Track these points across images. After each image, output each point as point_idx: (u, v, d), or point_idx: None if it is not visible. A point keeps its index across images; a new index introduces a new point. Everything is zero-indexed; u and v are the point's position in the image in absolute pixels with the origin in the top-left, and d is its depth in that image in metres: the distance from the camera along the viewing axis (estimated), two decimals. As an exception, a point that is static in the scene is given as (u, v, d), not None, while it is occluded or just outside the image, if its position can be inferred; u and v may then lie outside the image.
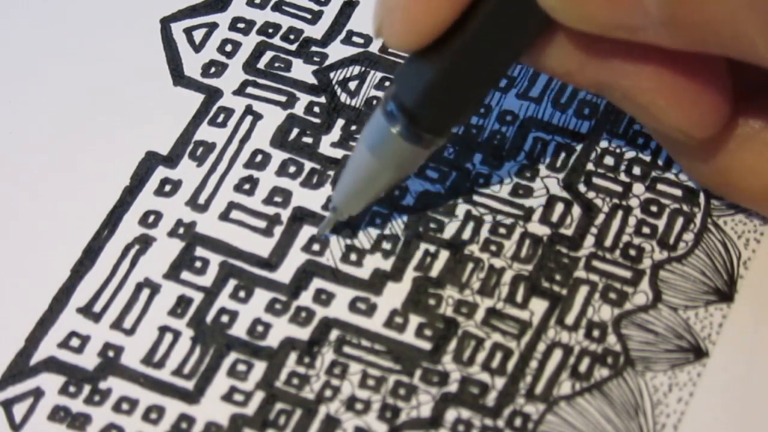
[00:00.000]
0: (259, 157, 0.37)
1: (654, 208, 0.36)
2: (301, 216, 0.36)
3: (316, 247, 0.36)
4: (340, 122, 0.38)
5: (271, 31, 0.40)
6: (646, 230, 0.36)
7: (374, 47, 0.39)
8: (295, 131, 0.38)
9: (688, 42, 0.29)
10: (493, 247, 0.35)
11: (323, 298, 0.35)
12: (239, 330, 0.34)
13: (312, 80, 0.39)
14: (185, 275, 0.35)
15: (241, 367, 0.34)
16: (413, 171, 0.34)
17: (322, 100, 0.38)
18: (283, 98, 0.38)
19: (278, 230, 0.36)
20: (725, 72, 0.31)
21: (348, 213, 0.35)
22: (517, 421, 0.33)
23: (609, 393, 0.33)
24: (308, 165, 0.37)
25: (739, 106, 0.32)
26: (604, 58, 0.31)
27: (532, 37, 0.31)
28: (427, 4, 0.30)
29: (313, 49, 0.39)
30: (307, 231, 0.36)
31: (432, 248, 0.35)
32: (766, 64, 0.29)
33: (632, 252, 0.35)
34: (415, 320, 0.34)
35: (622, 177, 0.36)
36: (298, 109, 0.38)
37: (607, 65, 0.31)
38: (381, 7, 0.31)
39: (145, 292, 0.35)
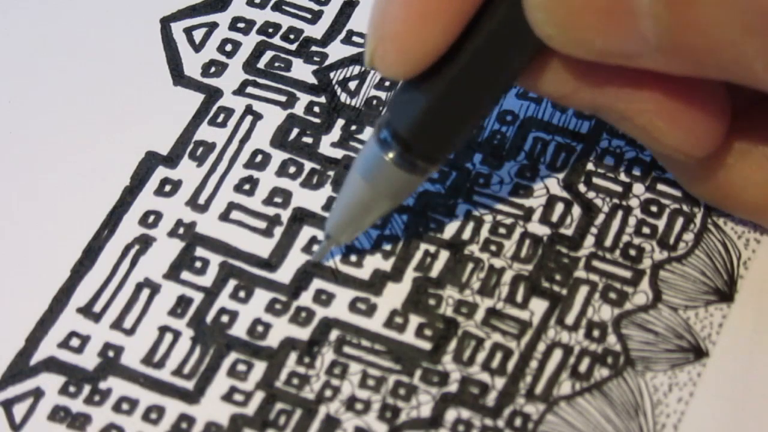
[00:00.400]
0: (259, 157, 0.37)
1: (654, 208, 0.36)
2: (301, 216, 0.36)
3: (316, 247, 0.36)
4: (340, 122, 0.38)
5: (271, 30, 0.40)
6: (646, 230, 0.36)
7: (374, 47, 0.39)
8: (295, 131, 0.38)
9: (686, 67, 0.29)
10: (493, 247, 0.35)
11: (323, 298, 0.35)
12: (239, 330, 0.34)
13: (312, 80, 0.39)
14: (185, 275, 0.35)
15: (241, 367, 0.34)
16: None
17: (322, 100, 0.38)
18: (283, 98, 0.38)
19: (278, 231, 0.36)
20: (722, 90, 0.31)
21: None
22: (517, 421, 0.33)
23: (609, 393, 0.33)
24: (308, 165, 0.37)
25: (735, 119, 0.32)
26: (600, 82, 0.31)
27: (526, 63, 0.31)
28: (419, 33, 0.30)
29: (313, 48, 0.39)
30: (307, 231, 0.36)
31: (432, 248, 0.35)
32: (765, 87, 0.29)
33: (632, 252, 0.35)
34: (415, 320, 0.34)
35: (622, 177, 0.36)
36: (298, 109, 0.38)
37: (603, 89, 0.31)
38: (373, 37, 0.31)
39: (145, 292, 0.35)
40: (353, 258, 0.35)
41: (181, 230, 0.36)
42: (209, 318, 0.35)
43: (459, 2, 0.30)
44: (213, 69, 0.39)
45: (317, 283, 0.35)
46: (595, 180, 0.36)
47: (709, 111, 0.31)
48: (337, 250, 0.35)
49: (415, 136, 0.31)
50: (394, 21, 0.30)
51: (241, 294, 0.35)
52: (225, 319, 0.35)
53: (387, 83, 0.38)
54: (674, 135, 0.31)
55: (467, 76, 0.30)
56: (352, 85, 0.38)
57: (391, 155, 0.32)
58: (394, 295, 0.35)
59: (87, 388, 0.34)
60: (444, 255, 0.35)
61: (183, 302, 0.35)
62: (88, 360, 0.34)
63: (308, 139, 0.38)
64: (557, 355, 0.34)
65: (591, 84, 0.31)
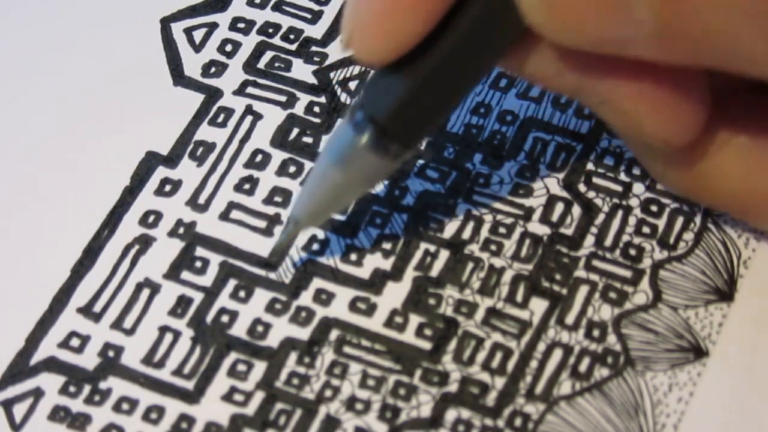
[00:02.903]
0: (259, 157, 0.37)
1: (654, 208, 0.36)
2: (301, 216, 0.36)
3: (316, 246, 0.36)
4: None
5: (271, 30, 0.40)
6: (646, 230, 0.36)
7: (374, 47, 0.39)
8: (295, 131, 0.38)
9: (681, 55, 0.28)
10: (493, 247, 0.35)
11: (323, 297, 0.35)
12: (239, 330, 0.34)
13: (312, 80, 0.39)
14: (185, 275, 0.35)
15: (241, 367, 0.34)
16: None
17: (322, 100, 0.38)
18: (283, 98, 0.38)
19: (278, 230, 0.36)
20: (705, 77, 0.31)
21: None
22: (517, 421, 0.33)
23: (609, 393, 0.33)
24: (308, 165, 0.37)
25: (714, 110, 0.31)
26: (585, 64, 0.30)
27: (507, 47, 0.30)
28: (399, 17, 0.29)
29: (313, 49, 0.39)
30: (307, 231, 0.36)
31: (432, 248, 0.35)
32: (763, 74, 0.28)
33: (632, 251, 0.35)
34: (415, 320, 0.34)
35: (622, 177, 0.36)
36: (298, 109, 0.38)
37: (587, 71, 0.30)
38: (351, 19, 0.30)
39: (145, 292, 0.35)
40: (353, 257, 0.35)
41: (181, 230, 0.36)
42: (209, 318, 0.35)
43: None
44: (213, 69, 0.39)
45: (317, 283, 0.35)
46: (595, 180, 0.36)
47: (691, 98, 0.30)
48: (337, 250, 0.35)
49: (392, 121, 0.31)
50: (372, 4, 0.29)
51: (241, 294, 0.35)
52: (225, 319, 0.35)
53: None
54: (655, 121, 0.31)
55: (447, 62, 0.30)
56: (352, 85, 0.38)
57: (364, 139, 0.31)
58: (394, 294, 0.35)
59: (87, 388, 0.34)
60: (444, 254, 0.35)
61: (183, 302, 0.35)
62: (88, 360, 0.34)
63: (308, 139, 0.38)
64: (557, 354, 0.34)
65: (575, 66, 0.30)
